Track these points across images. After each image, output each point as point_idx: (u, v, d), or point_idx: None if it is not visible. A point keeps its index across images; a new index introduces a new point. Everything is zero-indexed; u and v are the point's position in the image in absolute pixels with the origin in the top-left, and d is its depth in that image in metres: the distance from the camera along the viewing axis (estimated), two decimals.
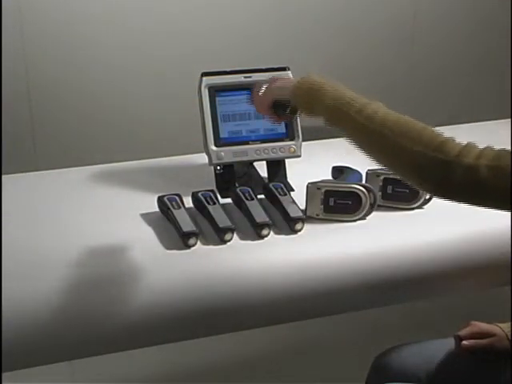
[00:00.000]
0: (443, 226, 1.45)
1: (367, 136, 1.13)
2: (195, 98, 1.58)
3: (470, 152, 1.03)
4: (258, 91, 1.34)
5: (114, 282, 1.26)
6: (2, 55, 2.33)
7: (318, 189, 1.45)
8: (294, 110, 1.29)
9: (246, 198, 1.47)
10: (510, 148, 1.04)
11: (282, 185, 1.53)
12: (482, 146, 1.05)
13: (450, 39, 2.93)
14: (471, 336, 1.44)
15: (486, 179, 1.01)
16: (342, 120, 1.15)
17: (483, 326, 1.46)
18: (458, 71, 2.97)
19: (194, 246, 1.36)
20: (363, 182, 1.53)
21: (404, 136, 1.08)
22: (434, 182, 1.06)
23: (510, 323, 1.45)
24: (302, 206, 1.47)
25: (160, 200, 1.48)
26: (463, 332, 1.45)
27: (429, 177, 1.06)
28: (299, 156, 1.62)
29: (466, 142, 1.05)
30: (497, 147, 1.05)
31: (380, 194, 1.51)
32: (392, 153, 1.09)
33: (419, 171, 1.06)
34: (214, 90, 1.57)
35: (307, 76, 1.23)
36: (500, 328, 1.45)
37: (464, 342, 1.43)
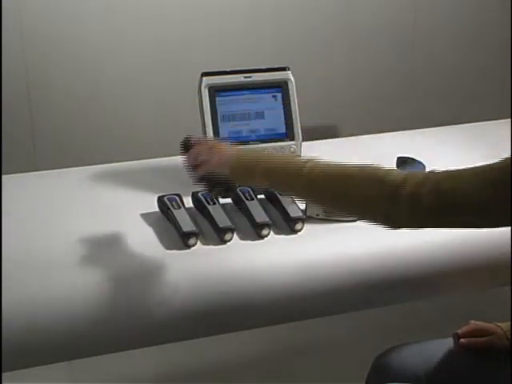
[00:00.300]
0: None
1: (313, 194, 1.17)
2: (195, 98, 1.58)
3: (411, 180, 1.06)
4: (193, 159, 1.30)
5: (114, 283, 1.26)
6: (2, 55, 2.33)
7: None
8: (232, 188, 1.33)
9: (245, 198, 1.47)
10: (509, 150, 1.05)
11: None
12: (426, 171, 1.09)
13: (450, 40, 2.93)
14: (470, 334, 1.44)
15: (430, 205, 1.05)
16: (282, 185, 1.19)
17: (482, 325, 1.46)
18: (458, 71, 2.97)
19: (194, 245, 1.36)
20: None
21: (346, 185, 1.12)
22: (384, 218, 1.10)
23: (509, 323, 1.45)
24: (302, 206, 1.47)
25: (160, 200, 1.48)
26: (462, 330, 1.46)
27: (378, 214, 1.11)
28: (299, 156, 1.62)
29: (406, 172, 1.09)
30: (439, 170, 1.08)
31: None
32: (341, 202, 1.15)
33: (368, 211, 1.12)
34: (214, 90, 1.57)
35: (239, 150, 1.24)
36: (499, 327, 1.45)
37: (462, 340, 1.43)
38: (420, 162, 1.65)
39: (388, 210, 1.08)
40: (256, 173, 1.20)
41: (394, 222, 1.11)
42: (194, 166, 1.29)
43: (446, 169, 1.08)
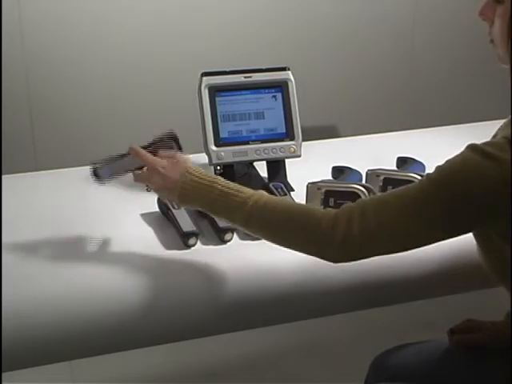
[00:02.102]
0: None
1: (251, 224, 1.19)
2: (195, 98, 1.58)
3: (340, 223, 1.12)
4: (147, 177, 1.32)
5: (114, 282, 1.26)
6: (2, 55, 2.33)
7: (318, 189, 1.46)
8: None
9: None
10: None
11: (282, 185, 1.53)
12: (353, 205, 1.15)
13: (450, 40, 2.93)
14: (464, 331, 1.45)
15: (360, 241, 1.12)
16: (224, 214, 1.21)
17: (476, 321, 1.46)
18: (457, 71, 2.97)
19: (194, 245, 1.36)
20: (363, 181, 1.53)
21: (282, 225, 1.17)
22: (321, 256, 1.17)
23: (504, 320, 1.45)
24: None
25: (160, 200, 1.48)
26: (456, 327, 1.46)
27: (314, 253, 1.18)
28: (299, 156, 1.62)
29: (335, 212, 1.14)
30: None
31: (380, 194, 1.51)
32: (276, 235, 1.20)
33: (304, 251, 1.19)
34: (214, 90, 1.57)
35: (184, 177, 1.24)
36: (494, 324, 1.45)
37: (456, 336, 1.43)
38: (420, 162, 1.65)
39: (325, 252, 1.16)
40: (197, 206, 1.24)
41: (333, 261, 1.17)
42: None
43: (371, 198, 1.17)
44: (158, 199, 1.49)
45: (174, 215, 1.42)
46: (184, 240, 1.36)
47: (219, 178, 1.23)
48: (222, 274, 1.30)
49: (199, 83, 1.57)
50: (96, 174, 1.35)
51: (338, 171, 1.62)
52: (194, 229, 1.37)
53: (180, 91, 2.26)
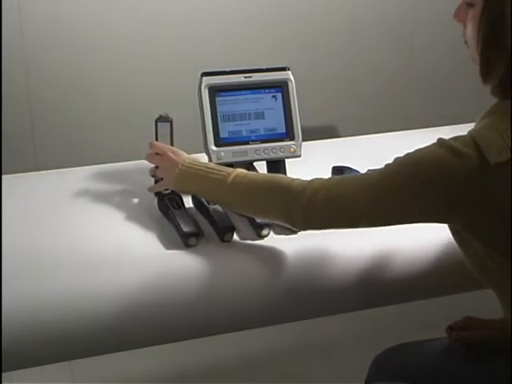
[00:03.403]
0: (443, 226, 1.45)
1: (232, 204, 1.34)
2: (195, 98, 1.58)
3: (308, 190, 1.22)
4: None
5: (114, 283, 1.26)
6: (2, 55, 2.33)
7: None
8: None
9: None
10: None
11: None
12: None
13: (450, 40, 2.92)
14: (463, 327, 1.45)
15: (321, 211, 1.21)
16: (212, 194, 1.36)
17: (476, 319, 1.46)
18: (457, 71, 2.97)
19: (194, 245, 1.36)
20: None
21: (256, 193, 1.29)
22: (287, 221, 1.27)
23: (504, 317, 1.45)
24: None
25: (160, 200, 1.48)
26: (455, 323, 1.46)
27: (285, 221, 1.27)
28: (299, 156, 1.62)
29: (307, 182, 1.24)
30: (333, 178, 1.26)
31: None
32: (253, 210, 1.33)
33: (273, 216, 1.29)
34: (214, 90, 1.57)
35: (181, 164, 1.39)
36: (493, 321, 1.45)
37: (455, 333, 1.43)
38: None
39: (289, 216, 1.25)
40: (192, 189, 1.39)
41: (295, 226, 1.28)
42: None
43: (347, 176, 1.26)
44: (158, 199, 1.49)
45: (174, 215, 1.42)
46: (184, 240, 1.36)
47: (210, 164, 1.39)
48: (221, 274, 1.30)
49: (199, 83, 1.57)
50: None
51: (338, 171, 1.62)
52: (194, 229, 1.37)
53: (180, 91, 2.26)
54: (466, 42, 1.28)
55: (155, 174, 1.50)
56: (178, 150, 1.46)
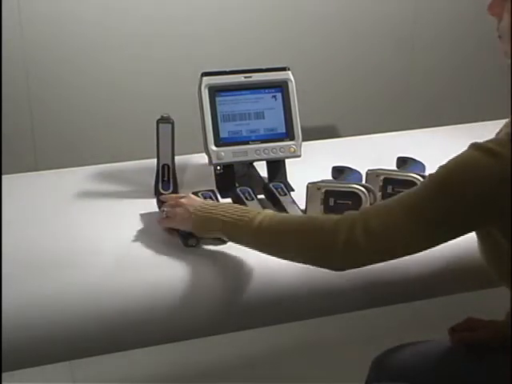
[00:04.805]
0: None
1: (262, 244, 1.24)
2: (195, 98, 1.58)
3: (342, 227, 1.12)
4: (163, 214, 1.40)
5: (114, 283, 1.26)
6: (2, 55, 2.33)
7: (318, 189, 1.45)
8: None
9: (245, 198, 1.47)
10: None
11: (282, 185, 1.53)
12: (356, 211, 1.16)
13: (450, 40, 2.93)
14: (465, 329, 1.45)
15: (363, 246, 1.11)
16: (238, 239, 1.27)
17: (478, 320, 1.47)
18: (458, 72, 2.97)
19: (194, 246, 1.36)
20: (363, 182, 1.53)
21: (287, 238, 1.19)
22: (327, 264, 1.17)
23: (505, 319, 1.45)
24: (302, 206, 1.47)
25: (159, 200, 1.48)
26: (457, 325, 1.46)
27: (320, 262, 1.17)
28: (299, 156, 1.62)
29: (337, 218, 1.15)
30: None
31: (380, 194, 1.51)
32: (284, 254, 1.23)
33: (311, 261, 1.19)
34: (214, 90, 1.57)
35: (197, 209, 1.31)
36: (495, 322, 1.45)
37: (457, 334, 1.43)
38: (420, 162, 1.65)
39: (328, 258, 1.15)
40: (215, 232, 1.29)
41: (337, 268, 1.17)
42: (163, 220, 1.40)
43: (379, 202, 1.17)
44: (158, 199, 1.49)
45: None
46: (184, 240, 1.36)
47: (224, 205, 1.29)
48: (221, 275, 1.30)
49: (199, 83, 1.57)
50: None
51: (338, 171, 1.62)
52: None
53: (180, 91, 2.26)
54: (499, 37, 1.24)
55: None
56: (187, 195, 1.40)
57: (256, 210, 1.25)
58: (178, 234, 1.37)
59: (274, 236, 1.21)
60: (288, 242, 1.19)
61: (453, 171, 1.10)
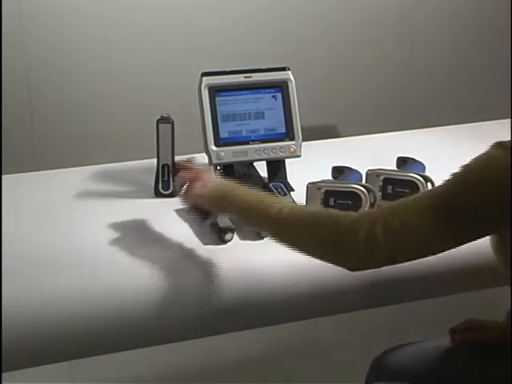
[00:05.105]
0: None
1: (278, 233, 1.21)
2: (195, 98, 1.58)
3: (363, 225, 1.08)
4: (182, 188, 1.38)
5: (114, 282, 1.26)
6: (3, 56, 2.33)
7: (318, 189, 1.45)
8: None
9: None
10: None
11: (282, 185, 1.53)
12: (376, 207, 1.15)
13: (450, 40, 2.93)
14: (466, 330, 1.45)
15: (383, 245, 1.07)
16: (254, 223, 1.25)
17: (478, 321, 1.47)
18: (458, 72, 2.97)
19: (230, 240, 1.37)
20: (363, 181, 1.53)
21: (306, 230, 1.16)
22: (344, 262, 1.13)
23: (505, 319, 1.45)
24: None
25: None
26: (458, 326, 1.46)
27: (338, 260, 1.14)
28: (299, 156, 1.62)
29: (356, 215, 1.12)
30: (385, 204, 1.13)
31: (380, 193, 1.51)
32: (300, 247, 1.18)
33: (329, 257, 1.15)
34: (214, 90, 1.57)
35: (218, 185, 1.29)
36: (495, 323, 1.45)
37: (458, 335, 1.43)
38: (420, 162, 1.65)
39: (347, 256, 1.12)
40: (232, 211, 1.27)
41: (359, 268, 1.14)
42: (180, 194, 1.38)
43: (395, 202, 1.11)
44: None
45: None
46: (220, 235, 1.36)
47: (243, 188, 1.26)
48: (222, 274, 1.30)
49: (199, 83, 1.57)
50: None
51: (338, 171, 1.62)
52: (230, 224, 1.38)
53: (180, 91, 2.26)
54: None
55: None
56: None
57: (274, 198, 1.22)
58: (214, 229, 1.38)
59: (292, 228, 1.18)
60: (306, 237, 1.16)
61: (474, 170, 1.08)
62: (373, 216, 1.10)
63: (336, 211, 1.16)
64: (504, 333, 1.41)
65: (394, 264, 1.12)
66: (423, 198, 1.11)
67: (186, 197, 1.36)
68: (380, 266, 1.12)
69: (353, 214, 1.13)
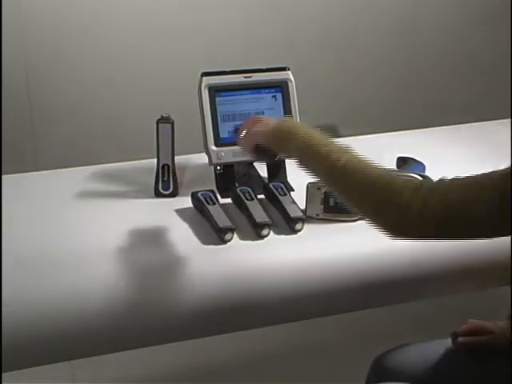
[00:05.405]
0: None
1: (331, 180, 1.20)
2: (195, 98, 1.58)
3: (420, 193, 1.08)
4: (242, 133, 1.38)
5: (115, 282, 1.26)
6: (3, 55, 2.33)
7: (318, 189, 1.46)
8: (274, 153, 1.35)
9: (246, 198, 1.47)
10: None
11: (282, 185, 1.53)
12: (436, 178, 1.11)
13: (450, 40, 2.93)
14: (468, 333, 1.45)
15: (437, 217, 1.07)
16: (312, 166, 1.22)
17: (480, 323, 1.46)
18: (458, 72, 2.97)
19: (230, 241, 1.37)
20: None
21: (361, 183, 1.14)
22: (393, 227, 1.12)
23: (507, 321, 1.45)
24: (302, 206, 1.47)
25: (194, 196, 1.48)
26: (460, 329, 1.46)
27: (384, 221, 1.13)
28: None
29: (417, 183, 1.11)
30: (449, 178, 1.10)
31: None
32: (352, 197, 1.17)
33: (378, 217, 1.14)
34: (214, 90, 1.57)
35: (283, 121, 1.30)
36: (497, 325, 1.45)
37: (460, 339, 1.43)
38: (420, 162, 1.65)
39: (397, 220, 1.11)
40: (292, 148, 1.24)
41: (401, 233, 1.12)
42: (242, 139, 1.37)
43: (453, 177, 1.09)
44: (192, 195, 1.49)
45: (209, 210, 1.42)
46: (220, 235, 1.36)
47: (308, 128, 1.25)
48: (221, 275, 1.30)
49: (199, 83, 1.57)
50: None
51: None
52: (230, 224, 1.38)
53: (180, 91, 2.26)
54: None
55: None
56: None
57: (338, 144, 1.20)
58: (214, 229, 1.37)
59: (349, 180, 1.16)
60: (359, 193, 1.15)
61: None
62: (432, 186, 1.10)
63: (398, 178, 1.14)
64: (506, 336, 1.41)
65: (436, 238, 1.13)
66: (485, 177, 1.08)
67: (247, 138, 1.36)
68: (422, 238, 1.13)
69: (412, 183, 1.12)
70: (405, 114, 2.89)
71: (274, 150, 1.32)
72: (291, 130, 1.25)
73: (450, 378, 1.41)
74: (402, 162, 1.67)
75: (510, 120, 1.92)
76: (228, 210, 1.46)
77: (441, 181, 1.11)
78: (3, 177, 1.64)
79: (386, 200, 1.11)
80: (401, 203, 1.09)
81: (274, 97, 1.61)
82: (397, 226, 1.12)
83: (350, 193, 1.17)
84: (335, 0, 2.72)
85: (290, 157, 1.28)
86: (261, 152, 1.34)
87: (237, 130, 1.40)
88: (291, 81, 1.62)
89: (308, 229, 1.43)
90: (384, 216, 1.12)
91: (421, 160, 1.65)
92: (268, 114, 1.60)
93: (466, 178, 1.09)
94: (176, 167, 1.58)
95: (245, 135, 1.36)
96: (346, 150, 1.19)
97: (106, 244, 1.38)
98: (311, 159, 1.21)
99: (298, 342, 2.37)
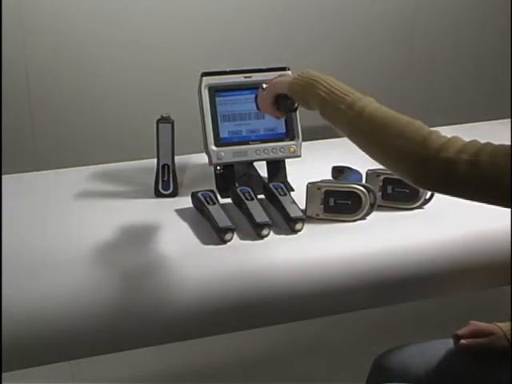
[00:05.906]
0: (443, 226, 1.45)
1: (355, 130, 1.19)
2: (195, 98, 1.58)
3: (452, 146, 1.06)
4: (262, 90, 1.40)
5: (111, 284, 1.26)
6: (3, 55, 2.33)
7: (318, 189, 1.46)
8: (294, 104, 1.37)
9: (246, 198, 1.47)
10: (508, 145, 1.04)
11: (282, 185, 1.53)
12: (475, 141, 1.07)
13: (450, 40, 2.93)
14: (470, 335, 1.45)
15: (464, 174, 1.04)
16: (333, 113, 1.22)
17: (482, 325, 1.46)
18: (457, 71, 2.97)
19: (230, 240, 1.37)
20: (363, 181, 1.53)
21: (387, 131, 1.13)
22: (415, 176, 1.09)
23: (508, 323, 1.45)
24: (302, 205, 1.47)
25: (195, 196, 1.48)
26: (462, 331, 1.46)
27: (410, 170, 1.10)
28: (299, 156, 1.62)
29: (450, 136, 1.08)
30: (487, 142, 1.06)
31: (380, 193, 1.51)
32: (377, 147, 1.16)
33: (401, 164, 1.11)
34: (214, 90, 1.57)
35: (305, 71, 1.30)
36: (499, 327, 1.45)
37: (462, 341, 1.43)
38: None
39: (421, 169, 1.08)
40: (313, 96, 1.26)
41: (424, 183, 1.10)
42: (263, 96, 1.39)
43: (487, 142, 1.07)
44: (192, 195, 1.49)
45: (209, 211, 1.42)
46: (220, 235, 1.36)
47: (327, 78, 1.28)
48: (221, 275, 1.30)
49: (199, 83, 1.57)
50: None
51: (338, 171, 1.62)
52: (230, 224, 1.38)
53: (180, 91, 2.26)
54: None
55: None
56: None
57: (358, 93, 1.20)
58: (214, 229, 1.38)
59: (375, 126, 1.15)
60: (387, 139, 1.13)
61: None
62: (463, 144, 1.06)
63: (425, 127, 1.12)
64: (507, 337, 1.41)
65: (462, 197, 1.09)
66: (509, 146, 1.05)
67: (269, 88, 1.37)
68: (450, 194, 1.10)
69: (443, 136, 1.09)
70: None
71: (294, 100, 1.34)
72: (313, 79, 1.27)
73: (451, 378, 1.41)
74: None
75: (510, 120, 1.92)
76: (228, 210, 1.46)
77: (472, 141, 1.07)
78: (3, 177, 1.64)
79: (415, 148, 1.08)
80: (428, 155, 1.06)
81: None
82: (420, 177, 1.09)
83: (375, 141, 1.15)
84: (336, 1, 2.72)
85: (309, 107, 1.28)
86: (282, 102, 1.37)
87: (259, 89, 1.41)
88: None
89: (308, 229, 1.43)
90: (408, 165, 1.09)
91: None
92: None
93: (507, 145, 1.06)
94: (176, 167, 1.58)
95: (268, 86, 1.38)
96: (370, 100, 1.20)
97: (106, 244, 1.38)
98: (334, 108, 1.21)
99: (298, 341, 2.38)
